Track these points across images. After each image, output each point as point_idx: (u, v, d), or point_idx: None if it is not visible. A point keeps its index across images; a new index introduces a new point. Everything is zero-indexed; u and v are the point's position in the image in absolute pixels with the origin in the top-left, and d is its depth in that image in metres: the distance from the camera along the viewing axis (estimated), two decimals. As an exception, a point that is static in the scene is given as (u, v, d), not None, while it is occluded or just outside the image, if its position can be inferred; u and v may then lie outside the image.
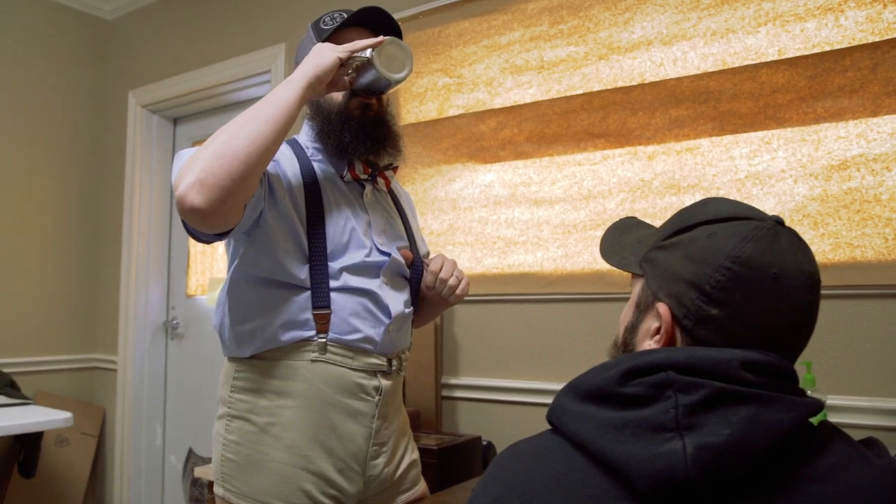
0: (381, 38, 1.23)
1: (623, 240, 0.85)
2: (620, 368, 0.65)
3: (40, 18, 3.43)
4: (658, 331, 0.71)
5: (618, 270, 2.05)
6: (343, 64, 1.22)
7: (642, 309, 0.75)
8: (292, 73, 1.23)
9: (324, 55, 1.21)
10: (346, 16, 1.34)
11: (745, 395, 0.62)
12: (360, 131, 1.30)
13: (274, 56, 2.92)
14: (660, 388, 0.63)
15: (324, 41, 1.33)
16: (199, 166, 1.07)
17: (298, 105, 1.17)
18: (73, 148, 3.55)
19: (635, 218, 0.91)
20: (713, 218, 0.71)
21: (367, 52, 1.22)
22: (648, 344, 0.73)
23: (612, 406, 0.64)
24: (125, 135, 3.54)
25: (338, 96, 1.32)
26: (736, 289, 0.66)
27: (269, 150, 1.12)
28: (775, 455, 0.61)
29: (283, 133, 1.14)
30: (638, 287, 0.77)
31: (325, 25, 1.35)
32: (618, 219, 0.92)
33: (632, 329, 0.76)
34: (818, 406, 0.65)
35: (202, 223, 1.09)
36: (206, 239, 1.20)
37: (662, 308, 0.71)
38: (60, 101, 3.50)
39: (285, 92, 1.17)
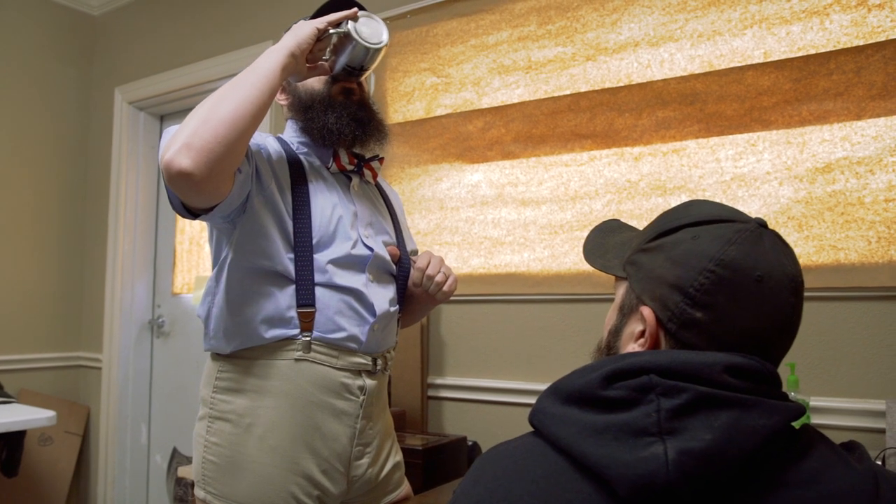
0: (355, 9, 1.26)
1: (606, 242, 0.85)
2: (603, 371, 0.65)
3: (26, 14, 3.39)
4: (642, 334, 0.71)
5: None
6: (320, 38, 1.24)
7: (626, 312, 0.74)
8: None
9: (301, 28, 1.23)
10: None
11: (727, 399, 0.61)
12: (343, 114, 1.31)
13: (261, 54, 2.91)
14: (642, 391, 0.62)
15: None
16: (185, 132, 1.07)
17: (280, 75, 1.18)
18: (58, 144, 3.52)
19: (618, 220, 0.91)
20: (696, 220, 0.71)
21: (344, 26, 1.25)
22: (632, 347, 0.72)
23: (594, 409, 0.64)
24: (111, 132, 3.51)
25: (319, 84, 1.33)
26: (720, 292, 0.66)
27: (255, 116, 1.12)
28: (757, 460, 0.61)
29: (267, 100, 1.15)
30: (622, 290, 0.76)
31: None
32: (601, 221, 0.92)
33: (615, 332, 0.76)
34: (800, 410, 0.65)
35: (191, 189, 1.08)
36: (191, 216, 1.19)
37: (646, 311, 0.70)
38: (46, 97, 3.47)
39: (266, 61, 1.18)
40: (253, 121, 1.12)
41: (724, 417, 0.60)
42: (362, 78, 1.37)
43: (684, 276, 0.68)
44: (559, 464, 0.64)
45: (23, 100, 3.37)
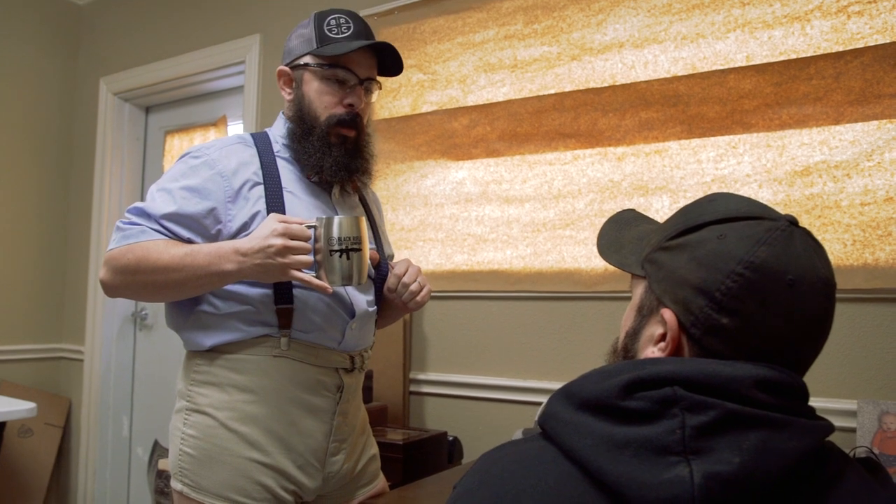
0: (328, 288, 1.19)
1: (622, 236, 0.79)
2: (622, 378, 0.60)
3: (10, 3, 3.36)
4: (662, 337, 0.67)
5: (585, 269, 2.07)
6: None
7: (645, 314, 0.70)
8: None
9: (278, 270, 1.15)
10: (351, 26, 1.29)
11: (756, 418, 0.58)
12: (339, 161, 1.29)
13: (248, 47, 2.90)
14: (665, 404, 0.58)
15: (324, 47, 1.29)
16: (127, 286, 1.23)
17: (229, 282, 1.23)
18: (42, 135, 3.49)
19: (634, 211, 0.84)
20: (722, 217, 0.66)
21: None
22: (652, 351, 0.68)
23: (611, 420, 0.60)
24: (96, 122, 3.49)
25: (322, 110, 1.29)
26: (748, 297, 0.62)
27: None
28: (786, 485, 0.57)
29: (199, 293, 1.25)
30: (640, 290, 0.71)
31: (332, 33, 1.29)
32: (616, 211, 0.86)
33: (633, 334, 0.71)
34: (830, 429, 0.62)
35: None
36: None
37: (668, 315, 0.66)
38: (30, 87, 3.44)
39: (220, 280, 1.19)
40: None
41: (754, 438, 0.57)
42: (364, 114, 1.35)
43: (710, 278, 0.63)
44: (571, 474, 0.60)
45: (5, 89, 3.34)
